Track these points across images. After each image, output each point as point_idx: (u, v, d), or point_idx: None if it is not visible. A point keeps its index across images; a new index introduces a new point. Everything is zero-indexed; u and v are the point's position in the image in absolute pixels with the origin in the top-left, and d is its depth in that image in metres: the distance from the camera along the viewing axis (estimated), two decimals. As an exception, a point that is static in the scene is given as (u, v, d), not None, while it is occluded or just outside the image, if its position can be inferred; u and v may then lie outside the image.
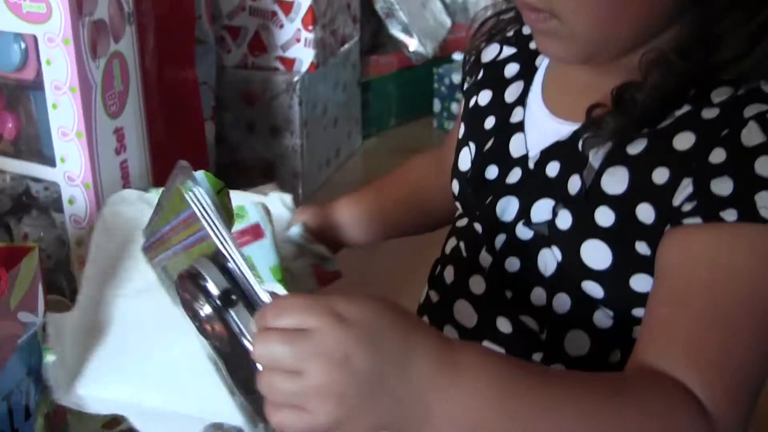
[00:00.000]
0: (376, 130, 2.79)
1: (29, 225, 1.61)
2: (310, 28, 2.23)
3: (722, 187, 0.74)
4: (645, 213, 0.78)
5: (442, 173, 1.06)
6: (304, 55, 2.27)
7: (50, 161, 1.49)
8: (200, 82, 2.04)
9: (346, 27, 2.47)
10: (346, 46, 2.49)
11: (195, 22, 2.01)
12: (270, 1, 2.24)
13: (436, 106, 2.80)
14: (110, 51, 1.46)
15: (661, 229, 0.77)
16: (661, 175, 0.77)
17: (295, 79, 2.26)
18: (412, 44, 2.70)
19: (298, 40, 2.26)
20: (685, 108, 0.79)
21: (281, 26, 2.26)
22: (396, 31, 2.69)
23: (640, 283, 0.80)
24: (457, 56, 2.81)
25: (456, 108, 2.71)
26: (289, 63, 2.29)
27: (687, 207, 0.75)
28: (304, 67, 2.28)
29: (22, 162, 1.53)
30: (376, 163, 2.64)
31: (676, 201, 0.76)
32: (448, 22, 2.94)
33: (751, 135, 0.75)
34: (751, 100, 0.77)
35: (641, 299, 0.80)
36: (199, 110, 2.05)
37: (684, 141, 0.77)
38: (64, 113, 1.43)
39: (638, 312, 0.81)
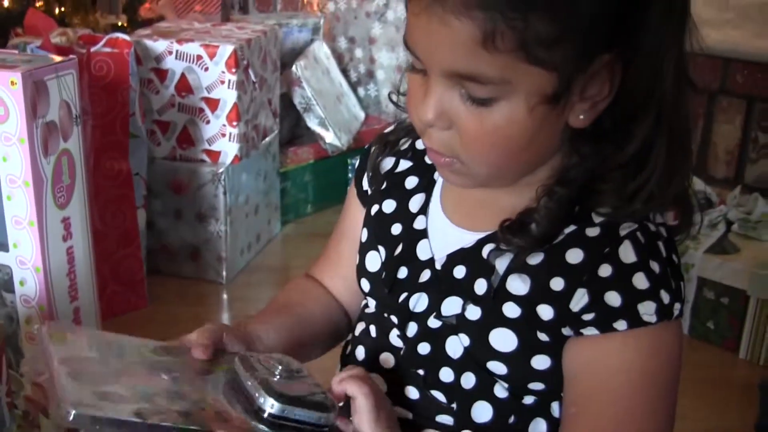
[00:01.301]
0: (294, 217, 2.85)
1: None
2: (234, 123, 2.31)
3: (612, 299, 0.90)
4: (545, 312, 0.92)
5: (335, 280, 1.18)
6: (228, 149, 2.35)
7: (3, 246, 1.61)
8: (133, 173, 2.16)
9: (267, 121, 2.55)
10: (267, 138, 2.57)
11: (129, 119, 2.11)
12: (197, 98, 2.31)
13: None
14: (59, 149, 1.58)
15: (559, 326, 0.93)
16: (557, 284, 0.91)
17: (220, 170, 2.33)
18: (328, 137, 2.79)
19: (223, 135, 2.33)
20: (572, 227, 0.93)
21: (208, 122, 2.33)
22: (313, 125, 2.77)
23: (538, 362, 0.93)
24: (370, 148, 2.92)
25: None
26: (215, 155, 2.36)
27: (586, 317, 0.91)
28: (229, 159, 2.35)
29: (-25, 247, 1.65)
30: (294, 248, 2.71)
31: (574, 308, 0.91)
32: (361, 115, 3.04)
33: (626, 253, 0.90)
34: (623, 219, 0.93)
35: (538, 374, 0.94)
36: (132, 199, 2.16)
37: (574, 256, 0.91)
38: (17, 204, 1.55)
39: (534, 385, 0.95)
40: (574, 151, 0.95)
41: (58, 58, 1.63)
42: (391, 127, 1.14)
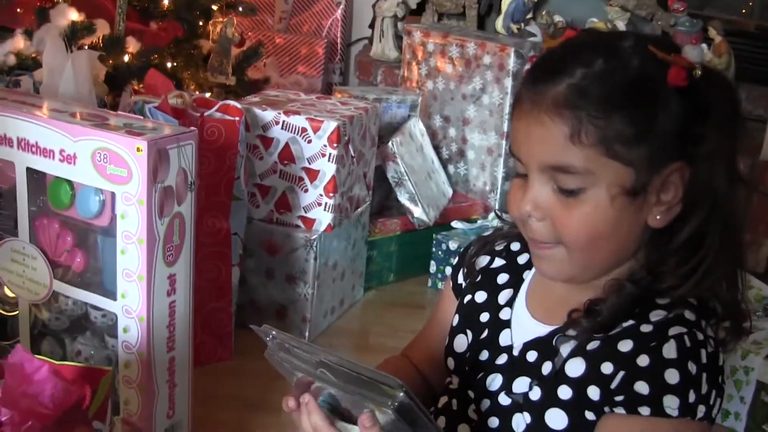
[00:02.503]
0: (377, 284, 2.92)
1: (82, 344, 1.84)
2: (331, 195, 2.40)
3: (641, 388, 1.03)
4: (593, 393, 1.07)
5: (424, 359, 1.35)
6: (323, 217, 2.43)
7: (111, 295, 1.74)
8: (232, 233, 2.27)
9: (361, 192, 2.64)
10: (359, 209, 2.65)
11: (234, 182, 2.22)
12: (298, 167, 2.40)
13: (432, 267, 2.93)
14: (173, 212, 1.72)
15: (603, 405, 1.06)
16: (607, 368, 1.06)
17: (313, 237, 2.42)
18: (417, 211, 2.87)
19: (319, 204, 2.42)
20: (630, 322, 1.08)
21: (306, 190, 2.42)
22: (403, 199, 2.87)
23: None
24: (456, 224, 2.98)
25: (449, 271, 2.87)
26: (309, 222, 2.44)
27: (618, 398, 1.04)
28: (322, 227, 2.43)
29: (85, 291, 1.78)
30: (374, 314, 2.79)
31: (613, 387, 1.05)
32: (449, 192, 3.13)
33: (669, 349, 1.04)
34: (675, 323, 1.07)
35: None
36: (229, 256, 2.27)
37: (625, 345, 1.06)
38: (130, 258, 1.68)
39: None
40: (651, 252, 1.09)
41: (179, 128, 1.77)
42: (490, 231, 1.31)
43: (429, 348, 1.35)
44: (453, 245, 2.86)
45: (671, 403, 1.02)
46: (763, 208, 2.91)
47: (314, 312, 2.51)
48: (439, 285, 2.91)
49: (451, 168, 3.24)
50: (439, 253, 2.92)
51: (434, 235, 2.95)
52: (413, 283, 3.01)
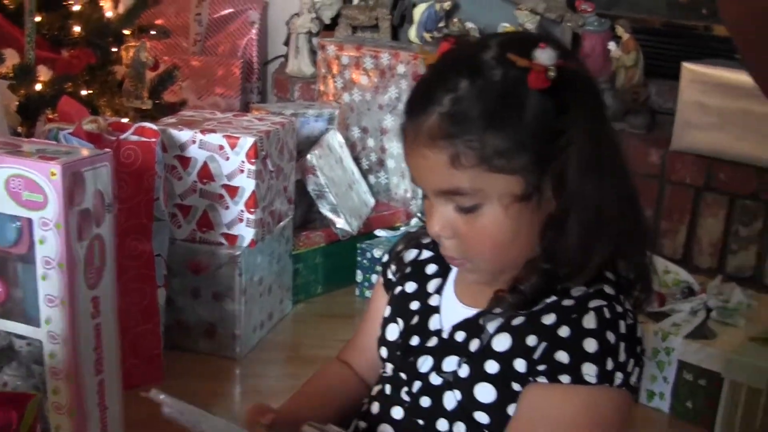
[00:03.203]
0: (304, 297, 2.94)
1: (9, 375, 1.82)
2: (252, 210, 2.41)
3: (562, 357, 1.08)
4: (519, 365, 1.12)
5: (360, 360, 1.40)
6: (245, 233, 2.44)
7: (35, 321, 1.74)
8: (155, 254, 2.27)
9: (282, 207, 2.65)
10: (282, 223, 2.67)
11: (153, 203, 2.23)
12: (218, 185, 2.42)
13: (359, 276, 2.97)
14: (92, 234, 1.72)
15: (528, 376, 1.11)
16: (531, 341, 1.11)
17: (237, 253, 2.43)
18: (339, 222, 2.90)
19: (241, 220, 2.43)
20: (553, 298, 1.13)
21: (227, 207, 2.43)
22: (325, 211, 2.88)
23: (513, 410, 1.12)
24: (379, 232, 3.03)
25: (376, 279, 2.89)
26: (233, 239, 2.46)
27: (540, 367, 1.09)
28: (246, 243, 2.45)
29: (8, 321, 1.77)
30: (304, 326, 2.80)
31: (535, 357, 1.10)
32: (371, 201, 3.16)
33: (588, 321, 1.09)
34: (595, 297, 1.12)
35: None
36: (153, 278, 2.27)
37: (548, 319, 1.11)
38: (51, 283, 1.68)
39: None
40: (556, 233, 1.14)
41: (93, 151, 1.78)
42: (416, 229, 1.42)
43: (364, 347, 1.39)
44: (378, 253, 2.90)
45: (589, 370, 1.07)
46: (676, 197, 3.00)
47: (243, 328, 2.53)
48: (367, 293, 2.94)
49: (371, 178, 3.28)
50: (365, 261, 2.95)
51: (358, 245, 2.98)
52: (341, 294, 3.03)
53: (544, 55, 1.07)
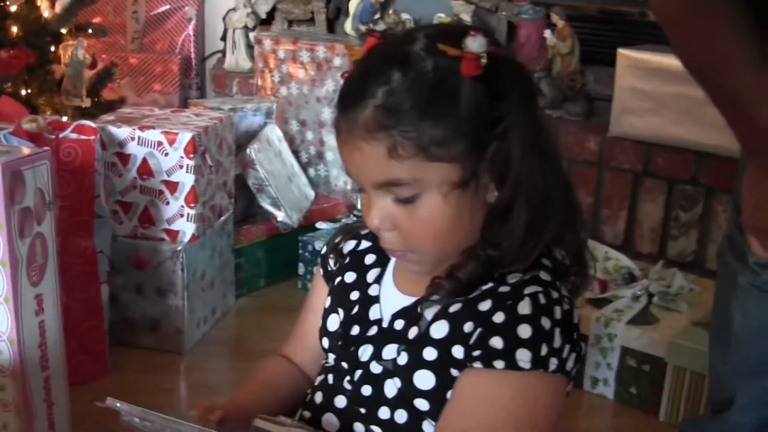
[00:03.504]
0: (248, 291, 2.96)
1: None
2: (192, 205, 2.43)
3: (496, 342, 1.10)
4: (458, 351, 1.13)
5: (301, 353, 1.41)
6: (186, 228, 2.46)
7: (-22, 321, 1.75)
8: (98, 251, 2.28)
9: (223, 201, 2.67)
10: (222, 218, 2.69)
11: (95, 200, 2.24)
12: (158, 181, 2.43)
13: (301, 269, 2.99)
14: (34, 232, 1.74)
15: (466, 362, 1.13)
16: (468, 327, 1.13)
17: (179, 248, 2.45)
18: (280, 215, 2.92)
19: (182, 215, 2.45)
20: (489, 284, 1.15)
21: (167, 203, 2.45)
22: (266, 204, 2.91)
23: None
24: (320, 225, 3.04)
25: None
26: (174, 234, 2.47)
27: (475, 353, 1.11)
28: (187, 238, 2.47)
29: (-50, 321, 1.78)
30: (248, 320, 2.83)
31: (471, 342, 1.12)
32: (311, 194, 3.19)
33: (523, 307, 1.11)
34: (531, 283, 1.14)
35: None
36: (96, 275, 2.28)
37: (485, 305, 1.13)
38: (-6, 282, 1.70)
39: None
40: (494, 222, 1.16)
41: (33, 150, 1.79)
42: (353, 220, 1.37)
43: (305, 338, 1.40)
44: (319, 246, 2.91)
45: (523, 356, 1.09)
46: (616, 184, 3.04)
47: (187, 323, 2.54)
48: (308, 285, 2.90)
49: (311, 171, 3.30)
50: (306, 254, 2.98)
51: (300, 238, 3.00)
52: (284, 287, 3.06)
53: (476, 43, 1.09)
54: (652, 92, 2.88)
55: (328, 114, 3.20)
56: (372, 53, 1.17)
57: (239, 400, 1.33)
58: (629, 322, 2.37)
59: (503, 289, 1.14)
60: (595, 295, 2.49)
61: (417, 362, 1.16)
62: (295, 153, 3.27)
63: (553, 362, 1.10)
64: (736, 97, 1.26)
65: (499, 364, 1.10)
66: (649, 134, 2.94)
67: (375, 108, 1.09)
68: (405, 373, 1.17)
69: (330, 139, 3.21)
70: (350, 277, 1.31)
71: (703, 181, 2.90)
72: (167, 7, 4.29)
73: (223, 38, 4.05)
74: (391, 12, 3.61)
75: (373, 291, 1.28)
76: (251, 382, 1.41)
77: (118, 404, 1.16)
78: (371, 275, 1.29)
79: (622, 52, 2.97)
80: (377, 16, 3.60)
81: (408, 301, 1.22)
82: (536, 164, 1.14)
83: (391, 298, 1.25)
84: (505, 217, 1.15)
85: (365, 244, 1.34)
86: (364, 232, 1.34)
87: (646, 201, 3.02)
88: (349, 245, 1.35)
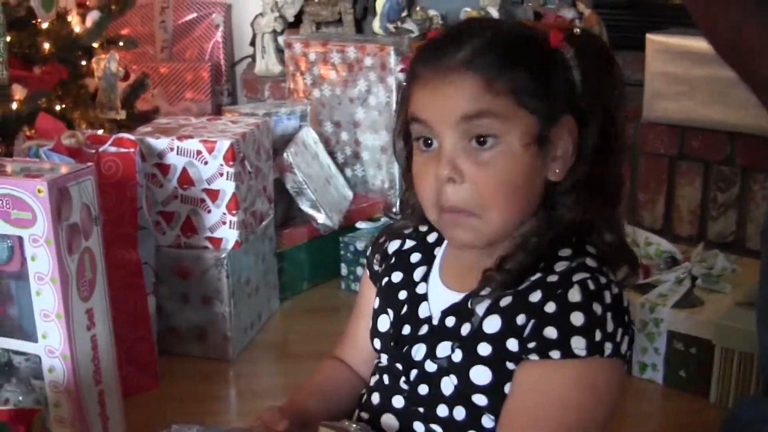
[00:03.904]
0: (291, 294, 2.97)
1: (9, 391, 1.85)
2: (234, 212, 2.44)
3: (550, 333, 1.10)
4: (512, 345, 1.14)
5: (354, 354, 1.42)
6: (229, 235, 2.47)
7: (32, 337, 1.76)
8: (143, 262, 2.30)
9: (263, 207, 2.68)
10: (264, 223, 2.69)
11: (137, 212, 2.25)
12: (199, 190, 2.44)
13: (343, 270, 3.00)
14: (82, 247, 1.75)
15: (521, 354, 1.13)
16: (521, 320, 1.13)
17: (222, 256, 2.45)
18: (320, 217, 2.93)
19: (224, 223, 2.46)
20: (538, 275, 1.15)
21: (209, 211, 2.46)
22: (305, 207, 2.92)
23: (509, 389, 1.14)
24: (360, 225, 3.05)
25: (360, 271, 2.92)
26: (217, 242, 2.48)
27: (530, 345, 1.12)
28: (230, 245, 2.47)
29: (5, 338, 1.80)
30: (293, 323, 2.83)
31: (525, 335, 1.12)
32: (349, 194, 3.19)
33: (573, 294, 1.11)
34: (579, 270, 1.14)
35: None
36: (142, 286, 2.30)
37: (535, 296, 1.13)
38: (45, 299, 1.71)
39: None
40: (546, 208, 1.19)
41: (77, 165, 1.81)
42: (395, 221, 1.39)
43: (357, 340, 1.41)
44: (360, 246, 2.93)
45: (578, 344, 1.09)
46: (652, 168, 3.04)
47: (234, 329, 2.55)
48: (352, 286, 2.97)
49: (348, 171, 3.31)
50: (348, 255, 2.98)
51: (340, 239, 3.01)
52: (326, 288, 3.07)
53: (570, 14, 1.15)
54: (683, 75, 2.89)
55: (361, 114, 3.20)
56: (452, 27, 1.21)
57: (298, 405, 1.34)
58: (674, 306, 2.37)
59: (552, 278, 1.14)
60: (638, 280, 2.47)
61: (472, 358, 1.16)
62: (331, 154, 3.27)
63: (608, 347, 1.11)
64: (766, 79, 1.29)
65: (555, 354, 1.10)
66: (681, 117, 2.95)
67: (474, 48, 1.13)
68: (461, 370, 1.17)
69: (365, 138, 3.22)
70: (397, 276, 1.32)
71: (738, 162, 2.90)
72: (194, 15, 4.31)
73: (252, 43, 4.06)
74: (418, 9, 3.61)
75: (420, 289, 1.28)
76: (308, 385, 1.42)
77: (176, 426, 1.17)
78: (418, 274, 1.30)
79: (651, 37, 2.98)
80: (404, 13, 3.60)
81: (457, 297, 1.22)
82: (605, 151, 1.17)
83: (439, 296, 1.25)
84: (565, 198, 1.18)
85: (410, 243, 1.34)
86: (407, 231, 1.35)
87: (683, 184, 3.03)
88: (393, 245, 1.36)
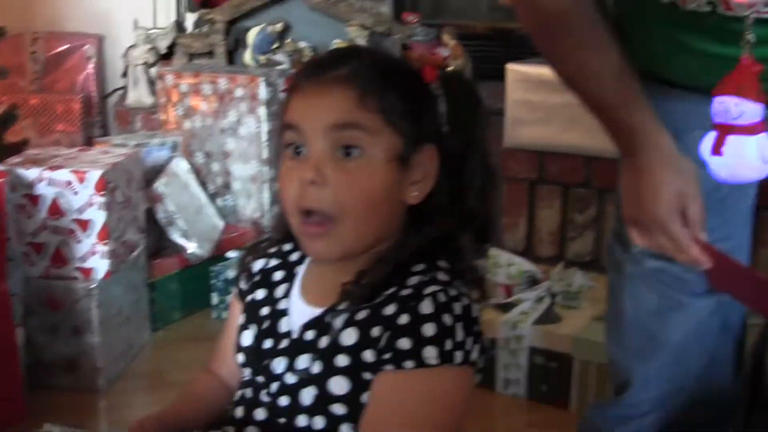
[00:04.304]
0: (163, 324, 2.97)
1: None
2: (105, 242, 2.45)
3: (404, 344, 1.16)
4: (368, 356, 1.19)
5: (224, 368, 1.44)
6: (99, 265, 2.47)
7: None
8: (11, 294, 2.26)
9: (134, 236, 2.68)
10: (135, 253, 2.70)
11: (6, 243, 2.24)
12: (69, 220, 2.43)
13: (214, 299, 3.02)
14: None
15: (377, 365, 1.18)
16: (376, 331, 1.18)
17: (93, 286, 2.45)
18: (191, 247, 2.95)
19: (94, 253, 2.46)
20: (392, 289, 1.21)
21: (79, 241, 2.45)
22: (176, 237, 2.94)
23: (367, 398, 1.19)
24: (231, 254, 3.07)
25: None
26: (87, 272, 2.47)
27: (385, 356, 1.17)
28: (100, 275, 2.47)
29: None
30: (165, 353, 2.83)
31: (380, 347, 1.18)
32: (220, 224, 3.21)
33: (425, 306, 1.17)
34: (430, 283, 1.20)
35: None
36: (10, 318, 2.27)
37: (389, 309, 1.19)
38: None
39: None
40: (408, 229, 1.25)
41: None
42: (259, 240, 1.43)
43: (226, 355, 1.42)
44: (231, 275, 2.93)
45: (430, 353, 1.15)
46: (513, 192, 3.15)
47: (104, 360, 2.55)
48: (224, 315, 2.97)
49: (219, 201, 3.33)
50: (219, 284, 3.01)
51: (211, 268, 3.03)
52: (199, 317, 3.08)
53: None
54: (541, 103, 3.00)
55: (232, 144, 3.24)
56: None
57: (172, 414, 1.37)
58: (535, 323, 2.47)
59: (405, 291, 1.20)
60: (501, 300, 2.58)
61: (330, 369, 1.21)
62: (203, 185, 3.30)
63: (458, 355, 1.17)
64: (602, 103, 1.40)
65: (409, 364, 1.16)
66: (540, 143, 3.06)
67: (353, 67, 1.20)
68: (320, 381, 1.22)
69: (236, 168, 3.26)
70: (261, 294, 1.35)
71: (595, 184, 3.03)
72: (67, 46, 4.28)
73: (125, 75, 4.05)
74: (288, 41, 3.67)
75: (282, 305, 1.32)
76: (181, 397, 1.45)
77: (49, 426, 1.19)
78: (280, 291, 1.33)
79: (511, 67, 3.10)
80: (275, 45, 3.66)
81: (316, 312, 1.26)
82: (471, 177, 1.26)
83: (299, 311, 1.29)
84: (424, 221, 1.24)
85: (273, 262, 1.37)
86: (271, 250, 1.39)
87: (543, 207, 3.15)
88: (258, 264, 1.39)
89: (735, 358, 1.72)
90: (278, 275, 1.36)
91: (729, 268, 1.45)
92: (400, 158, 1.20)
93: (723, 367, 1.70)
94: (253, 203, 3.24)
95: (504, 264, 2.71)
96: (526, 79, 3.04)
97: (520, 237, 3.18)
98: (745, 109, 1.16)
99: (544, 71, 2.91)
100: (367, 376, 1.20)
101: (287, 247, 1.37)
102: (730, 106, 1.17)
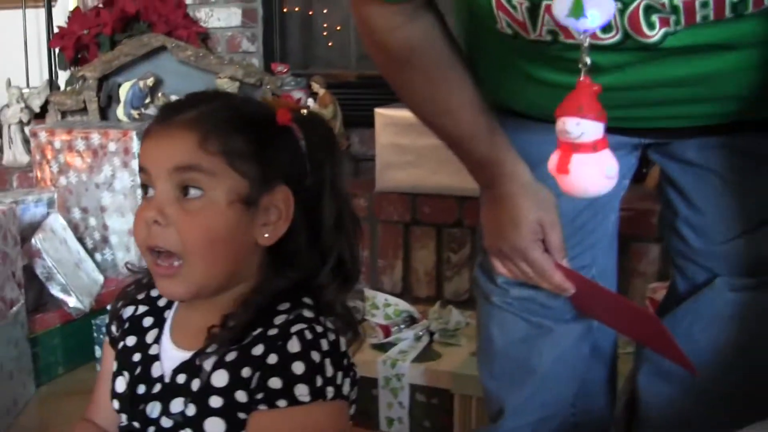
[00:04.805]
0: (47, 379, 2.95)
1: None
2: None
3: (275, 383, 1.20)
4: (241, 396, 1.23)
5: (101, 415, 1.47)
6: None
7: None
8: None
9: (13, 293, 2.68)
10: (14, 309, 2.69)
11: None
12: None
13: (98, 352, 3.00)
14: None
15: (251, 405, 1.22)
16: (246, 372, 1.22)
17: None
18: (71, 301, 2.96)
19: None
20: (259, 329, 1.25)
21: None
22: (56, 292, 2.95)
23: None
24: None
25: None
26: None
27: (258, 396, 1.22)
28: None
29: None
30: (50, 408, 2.82)
31: (252, 388, 1.22)
32: (100, 278, 3.24)
33: (292, 345, 1.22)
34: (296, 322, 1.25)
35: None
36: None
37: (257, 350, 1.23)
38: None
39: None
40: (268, 270, 1.29)
41: None
42: (130, 286, 1.44)
43: (101, 403, 1.45)
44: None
45: (302, 391, 1.19)
46: (388, 235, 3.21)
47: (-13, 417, 2.52)
48: (107, 366, 2.98)
49: (98, 256, 3.36)
50: (101, 337, 2.99)
51: (93, 321, 3.04)
52: (82, 371, 3.07)
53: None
54: (410, 146, 3.08)
55: (108, 198, 3.28)
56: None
57: None
58: (414, 361, 2.52)
59: (272, 331, 1.24)
60: (380, 340, 2.63)
61: (205, 411, 1.24)
62: (81, 240, 3.32)
63: (330, 390, 1.22)
64: (458, 137, 1.45)
65: (282, 402, 1.20)
66: (412, 185, 3.14)
67: (198, 112, 1.23)
68: (195, 423, 1.25)
69: (112, 222, 3.29)
70: (131, 340, 1.37)
71: (468, 223, 3.11)
72: (-63, 108, 4.26)
73: (-1, 135, 4.06)
74: (160, 95, 3.73)
75: (153, 350, 1.34)
76: None
77: None
78: (150, 336, 1.36)
79: (379, 111, 3.18)
80: (147, 100, 3.71)
81: (187, 355, 1.29)
82: (327, 216, 1.30)
83: (170, 355, 1.32)
84: (285, 261, 1.28)
85: (142, 308, 1.40)
86: (141, 297, 1.41)
87: (418, 248, 3.22)
88: (128, 311, 1.41)
89: (608, 384, 1.76)
90: (147, 321, 1.38)
91: (594, 294, 1.50)
92: (246, 200, 1.24)
93: (596, 393, 1.75)
94: (131, 256, 3.26)
95: (381, 305, 2.75)
96: (394, 123, 3.10)
97: (397, 278, 3.25)
98: (586, 129, 1.18)
99: (410, 114, 3.00)
100: (242, 416, 1.23)
101: (155, 293, 1.40)
102: (572, 126, 1.19)
